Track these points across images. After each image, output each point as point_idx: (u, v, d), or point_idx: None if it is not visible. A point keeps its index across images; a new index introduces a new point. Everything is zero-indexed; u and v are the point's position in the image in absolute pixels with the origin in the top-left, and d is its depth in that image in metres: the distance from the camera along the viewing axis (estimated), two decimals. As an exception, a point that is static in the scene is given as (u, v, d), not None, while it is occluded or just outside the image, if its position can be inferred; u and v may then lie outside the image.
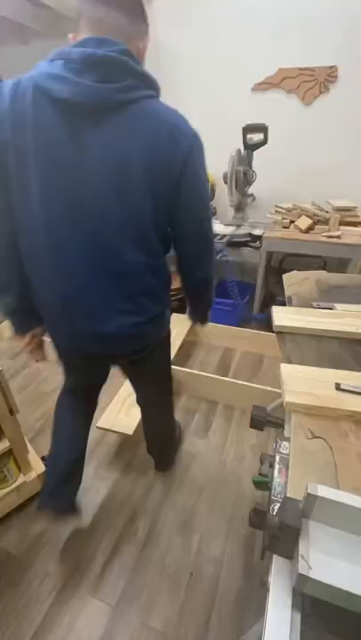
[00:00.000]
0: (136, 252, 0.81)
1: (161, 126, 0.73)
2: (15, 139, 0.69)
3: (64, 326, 0.91)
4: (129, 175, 0.73)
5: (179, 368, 2.00)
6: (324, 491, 0.49)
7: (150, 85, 0.74)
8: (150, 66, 2.69)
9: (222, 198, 2.39)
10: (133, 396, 1.72)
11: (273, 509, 0.58)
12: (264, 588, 0.52)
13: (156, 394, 1.32)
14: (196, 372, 1.96)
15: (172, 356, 2.05)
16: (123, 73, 0.68)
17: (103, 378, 1.23)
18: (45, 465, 1.40)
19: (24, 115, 0.68)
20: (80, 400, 1.24)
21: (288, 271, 1.46)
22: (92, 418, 1.28)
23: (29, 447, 1.45)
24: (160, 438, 1.48)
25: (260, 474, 0.95)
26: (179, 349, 2.16)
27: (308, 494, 0.49)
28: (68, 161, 0.71)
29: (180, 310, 2.76)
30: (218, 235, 2.19)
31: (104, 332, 0.87)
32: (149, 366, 1.14)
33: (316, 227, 2.21)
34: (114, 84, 0.67)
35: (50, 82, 0.66)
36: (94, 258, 0.79)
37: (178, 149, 0.75)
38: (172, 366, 1.99)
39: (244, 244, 2.29)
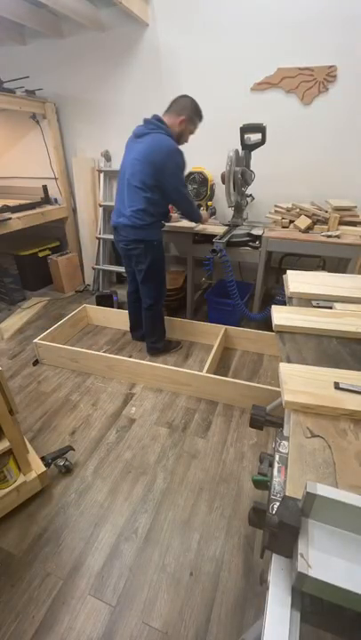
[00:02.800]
0: (139, 191, 1.84)
1: (158, 142, 1.78)
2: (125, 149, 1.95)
3: None
4: (140, 160, 1.80)
5: (178, 368, 2.01)
6: (322, 489, 0.49)
7: (162, 129, 1.79)
8: (150, 66, 2.68)
9: (221, 198, 2.39)
10: None
11: (272, 508, 0.58)
12: (264, 586, 0.52)
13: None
14: (195, 372, 1.96)
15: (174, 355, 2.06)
16: (152, 125, 1.81)
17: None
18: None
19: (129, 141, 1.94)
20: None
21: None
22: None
23: (29, 447, 1.45)
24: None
25: (259, 473, 0.95)
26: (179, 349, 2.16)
27: (308, 493, 0.49)
28: (130, 152, 1.87)
29: (180, 310, 2.76)
30: (217, 235, 2.19)
31: None
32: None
33: (315, 226, 2.21)
34: (148, 126, 1.82)
35: (136, 129, 1.88)
36: (126, 189, 1.90)
37: (162, 151, 1.77)
38: (172, 366, 2.00)
39: (244, 243, 2.29)
